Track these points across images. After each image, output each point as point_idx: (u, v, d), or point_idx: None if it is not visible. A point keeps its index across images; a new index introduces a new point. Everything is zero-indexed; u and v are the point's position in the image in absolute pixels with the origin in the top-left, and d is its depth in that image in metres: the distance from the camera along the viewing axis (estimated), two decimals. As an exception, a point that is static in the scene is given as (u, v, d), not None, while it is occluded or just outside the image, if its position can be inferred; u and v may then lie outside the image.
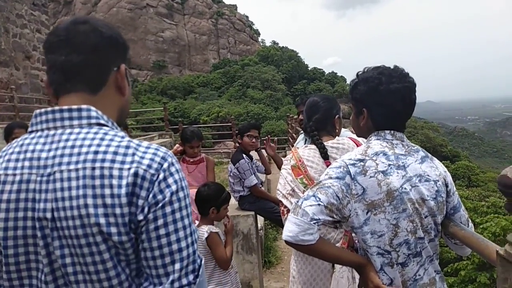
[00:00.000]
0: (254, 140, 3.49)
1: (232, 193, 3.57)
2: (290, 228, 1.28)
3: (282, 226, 1.78)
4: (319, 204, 1.28)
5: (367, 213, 1.31)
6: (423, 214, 1.33)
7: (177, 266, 0.80)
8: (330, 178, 1.33)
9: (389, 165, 1.33)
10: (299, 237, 1.26)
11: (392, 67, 1.44)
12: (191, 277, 0.82)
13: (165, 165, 0.82)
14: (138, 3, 51.26)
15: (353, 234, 1.81)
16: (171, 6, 52.78)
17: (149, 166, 0.80)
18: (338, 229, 1.94)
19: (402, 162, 1.35)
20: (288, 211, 1.85)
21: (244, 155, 3.40)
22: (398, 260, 1.32)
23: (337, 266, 1.95)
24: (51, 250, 0.78)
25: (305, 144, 2.91)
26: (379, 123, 1.42)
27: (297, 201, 1.33)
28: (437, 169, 1.41)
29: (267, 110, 37.75)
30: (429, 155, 1.45)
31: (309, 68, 55.36)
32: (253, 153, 3.65)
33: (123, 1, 51.24)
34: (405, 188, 1.31)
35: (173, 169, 0.84)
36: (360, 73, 1.48)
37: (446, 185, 1.41)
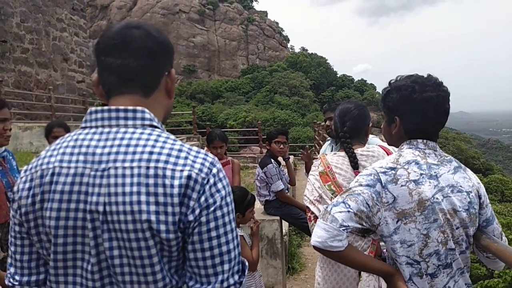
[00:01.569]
0: (282, 146, 3.52)
1: (258, 197, 3.60)
2: (319, 234, 1.29)
3: (307, 232, 1.78)
4: (348, 211, 1.29)
5: (397, 222, 1.30)
6: (454, 225, 1.31)
7: (226, 266, 0.84)
8: (361, 185, 1.33)
9: (421, 174, 1.32)
10: (328, 243, 1.27)
11: (425, 76, 1.44)
12: (236, 276, 0.87)
13: (214, 170, 0.86)
14: (171, 8, 52.60)
15: (382, 243, 1.79)
16: (203, 12, 53.82)
17: (201, 170, 0.84)
18: (366, 238, 1.93)
19: (435, 172, 1.33)
20: (315, 217, 1.85)
21: (272, 160, 3.43)
22: (427, 270, 1.30)
23: (364, 275, 1.93)
24: (99, 241, 0.82)
25: (332, 151, 2.90)
26: (411, 132, 1.41)
27: (327, 207, 1.34)
28: (470, 180, 1.38)
29: (294, 116, 37.64)
30: (462, 165, 1.42)
31: (338, 75, 54.90)
32: (282, 161, 3.67)
33: (156, 6, 52.73)
34: (437, 198, 1.29)
35: (221, 175, 0.88)
36: (393, 81, 1.48)
37: (479, 197, 1.38)
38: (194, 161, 0.84)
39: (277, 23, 60.63)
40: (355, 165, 1.91)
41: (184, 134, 14.73)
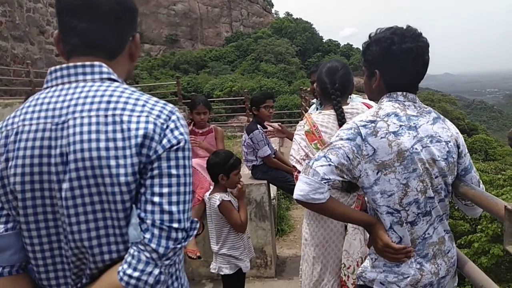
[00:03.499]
0: (271, 110, 3.52)
1: (245, 162, 3.61)
2: (301, 187, 1.31)
3: None
4: (329, 165, 1.31)
5: (377, 173, 1.33)
6: (433, 174, 1.34)
7: (174, 208, 0.84)
8: (341, 139, 1.35)
9: (401, 126, 1.33)
10: (309, 196, 1.29)
11: (405, 27, 1.42)
12: (187, 223, 0.87)
13: (174, 117, 0.88)
14: (150, -25, 50.47)
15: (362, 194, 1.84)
16: (183, -23, 51.83)
17: (158, 116, 0.86)
18: (352, 193, 1.97)
19: (414, 123, 1.35)
20: None
21: (258, 126, 3.42)
22: (407, 219, 1.35)
23: (350, 228, 1.98)
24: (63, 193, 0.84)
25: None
26: (391, 84, 1.42)
27: (308, 162, 1.36)
28: (449, 130, 1.41)
29: (281, 84, 37.35)
30: (441, 116, 1.44)
31: (324, 40, 54.19)
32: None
33: (133, -27, 50.46)
34: (416, 149, 1.32)
35: (182, 122, 0.90)
36: (373, 34, 1.46)
37: (458, 146, 1.41)
38: (152, 108, 0.86)
39: (260, -13, 58.82)
40: (342, 123, 1.92)
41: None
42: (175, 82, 14.27)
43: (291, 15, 58.79)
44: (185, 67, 44.83)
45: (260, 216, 3.36)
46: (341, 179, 1.35)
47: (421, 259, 1.37)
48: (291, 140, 3.35)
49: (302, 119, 2.15)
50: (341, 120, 1.94)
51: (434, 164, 1.34)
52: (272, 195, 3.86)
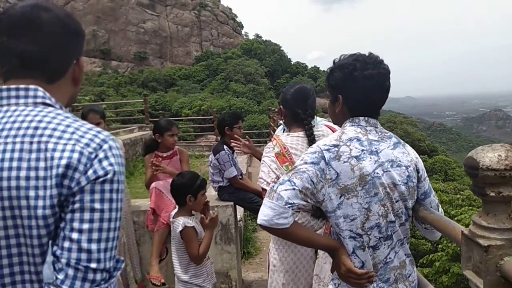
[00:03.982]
0: (241, 131, 3.52)
1: (211, 183, 3.56)
2: (265, 212, 1.29)
3: None
4: (294, 189, 1.30)
5: (340, 197, 1.33)
6: (394, 198, 1.36)
7: (97, 246, 0.77)
8: (305, 163, 1.35)
9: (362, 150, 1.35)
10: (273, 221, 1.27)
11: (367, 54, 1.46)
12: (109, 264, 0.79)
13: (105, 146, 0.81)
14: (119, -7, 50.21)
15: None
16: (153, -4, 51.91)
17: (87, 144, 0.80)
18: (320, 218, 1.95)
19: (375, 148, 1.37)
20: None
21: (225, 147, 3.39)
22: (369, 243, 1.35)
23: (320, 252, 1.96)
24: None
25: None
26: (354, 110, 1.44)
27: (273, 186, 1.34)
28: (408, 155, 1.44)
29: (250, 104, 37.72)
30: (402, 141, 1.48)
31: (292, 62, 55.52)
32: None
33: (103, -10, 50.09)
34: (377, 173, 1.33)
35: (114, 152, 0.83)
36: (337, 60, 1.50)
37: (417, 171, 1.45)
38: (81, 136, 0.81)
39: (230, 9, 59.93)
40: (312, 143, 1.93)
41: (136, 124, 14.30)
42: (142, 100, 14.05)
43: (261, 37, 60.09)
44: (154, 85, 44.44)
45: (226, 239, 3.29)
46: (305, 203, 1.34)
47: (383, 284, 1.37)
48: (258, 158, 3.34)
49: (270, 140, 2.14)
50: (312, 143, 1.95)
51: (395, 188, 1.36)
52: (238, 216, 3.80)
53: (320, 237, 1.56)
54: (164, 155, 3.28)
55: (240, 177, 3.54)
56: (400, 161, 1.39)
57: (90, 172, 0.78)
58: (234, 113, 3.66)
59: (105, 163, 0.79)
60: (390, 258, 1.38)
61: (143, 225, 3.31)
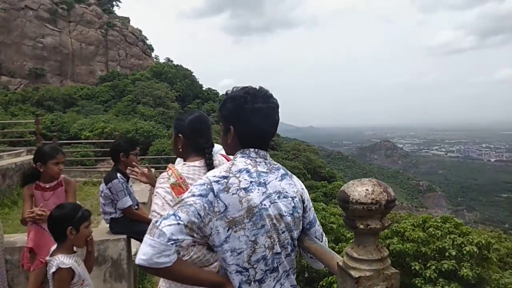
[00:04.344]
0: (138, 157, 3.31)
1: (102, 215, 3.28)
2: (145, 251, 1.19)
3: None
4: (178, 223, 1.22)
5: (228, 230, 1.29)
6: (280, 229, 1.36)
7: None
8: (193, 195, 1.29)
9: (251, 182, 1.34)
10: (153, 260, 1.18)
11: (257, 88, 1.49)
12: None
13: None
14: (15, 3, 45.66)
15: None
16: (55, 11, 48.31)
17: None
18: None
19: (264, 179, 1.38)
20: None
21: (119, 175, 3.16)
22: (255, 277, 1.32)
23: None
24: None
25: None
26: (244, 141, 1.44)
27: (155, 221, 1.25)
28: (295, 186, 1.47)
29: (159, 128, 36.57)
30: (289, 172, 1.51)
31: (204, 88, 55.85)
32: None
33: (-6, -2, 45.10)
34: (265, 205, 1.33)
35: None
36: (229, 91, 1.50)
37: (303, 201, 1.48)
38: None
39: (140, 30, 58.52)
40: None
41: (26, 146, 12.79)
42: (33, 120, 12.69)
43: (172, 61, 59.57)
44: (50, 104, 40.69)
45: (116, 276, 3.02)
46: (191, 238, 1.27)
47: (270, 317, 1.35)
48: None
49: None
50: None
51: (281, 219, 1.37)
52: (134, 250, 3.54)
53: (205, 273, 1.50)
54: (47, 186, 2.89)
55: (136, 207, 3.32)
56: (286, 192, 1.41)
57: None
58: (131, 139, 3.47)
59: None
60: None
61: (18, 264, 2.88)
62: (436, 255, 7.20)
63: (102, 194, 3.18)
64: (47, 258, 2.19)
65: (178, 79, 51.98)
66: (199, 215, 1.25)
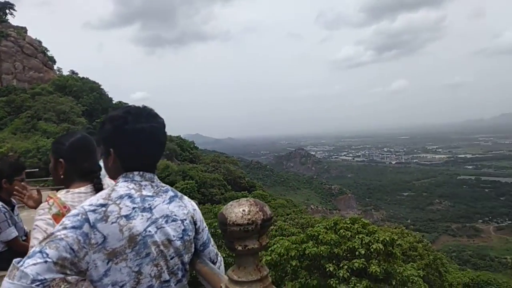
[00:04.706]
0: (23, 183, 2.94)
1: (-17, 250, 2.86)
2: None
3: None
4: (46, 261, 1.10)
5: (108, 263, 1.19)
6: (169, 255, 1.30)
7: None
8: (65, 228, 1.17)
9: (134, 208, 1.26)
10: None
11: (141, 106, 1.42)
12: None
13: None
14: None
15: None
16: None
17: None
18: None
19: (149, 204, 1.30)
20: None
21: (0, 203, 2.80)
22: (142, 309, 1.24)
23: None
24: None
25: None
26: (127, 164, 1.36)
27: (17, 261, 1.10)
28: (185, 207, 1.42)
29: (63, 145, 33.67)
30: (179, 194, 1.46)
31: (114, 102, 52.99)
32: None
33: None
34: (150, 231, 1.26)
35: None
36: (110, 112, 1.41)
37: (195, 223, 1.44)
38: None
39: (40, 41, 53.66)
40: None
41: None
42: None
43: (77, 73, 55.63)
44: None
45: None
46: (62, 275, 1.15)
47: None
48: None
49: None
50: None
51: (170, 244, 1.31)
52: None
53: None
54: None
55: (24, 238, 2.97)
56: (175, 215, 1.36)
57: None
58: (16, 163, 3.09)
59: None
60: None
61: None
62: (348, 255, 7.65)
63: (-20, 227, 2.78)
64: None
65: (84, 92, 48.66)
66: (72, 249, 1.14)
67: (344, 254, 7.64)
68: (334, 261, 7.57)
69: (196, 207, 1.50)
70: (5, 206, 2.80)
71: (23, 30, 52.59)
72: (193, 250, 1.43)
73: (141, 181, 1.35)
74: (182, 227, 1.37)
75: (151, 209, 1.30)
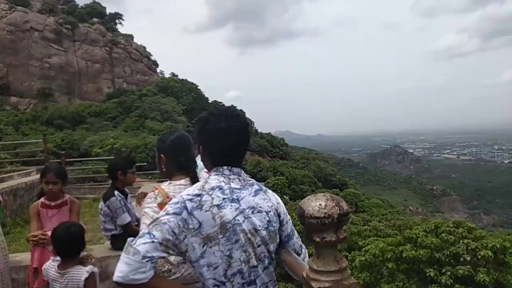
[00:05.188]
0: (135, 176, 3.41)
1: (104, 232, 3.36)
2: (121, 268, 1.26)
3: None
4: (153, 241, 1.29)
5: (203, 246, 1.35)
6: (256, 243, 1.42)
7: None
8: (168, 214, 1.36)
9: (224, 199, 1.41)
10: (129, 277, 1.24)
11: (226, 107, 1.58)
12: None
13: None
14: (20, 25, 46.88)
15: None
16: (60, 31, 49.45)
17: None
18: None
19: (237, 196, 1.44)
20: None
21: (116, 192, 3.25)
22: (232, 290, 1.38)
23: None
24: None
25: None
26: (212, 159, 1.52)
27: (131, 240, 1.32)
28: (269, 200, 1.53)
29: (167, 142, 36.84)
30: (264, 187, 1.57)
31: (210, 101, 56.31)
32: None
33: (1, 22, 46.35)
34: (238, 220, 1.39)
35: None
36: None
37: (279, 215, 1.54)
38: None
39: (144, 47, 59.44)
40: None
41: (38, 165, 13.01)
42: (41, 140, 12.95)
43: (177, 75, 60.20)
44: (60, 123, 41.33)
45: (118, 291, 3.10)
46: (166, 255, 1.34)
47: (249, 329, 1.40)
48: None
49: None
50: None
51: (256, 233, 1.43)
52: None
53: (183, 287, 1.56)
54: (53, 203, 3.00)
55: (136, 223, 3.40)
56: (261, 207, 1.47)
57: None
58: (128, 157, 3.58)
59: None
60: None
61: (24, 282, 2.97)
62: (451, 260, 7.11)
63: (102, 212, 3.27)
64: (61, 271, 2.34)
65: (184, 93, 52.55)
66: (174, 232, 1.32)
67: (447, 259, 7.11)
68: (435, 266, 7.10)
69: (279, 200, 1.60)
70: (120, 195, 3.25)
71: (130, 37, 58.73)
72: (278, 240, 1.53)
73: (229, 174, 1.50)
74: (267, 218, 1.47)
75: (238, 200, 1.43)
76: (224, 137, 1.48)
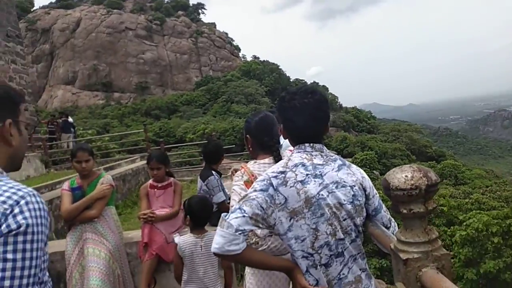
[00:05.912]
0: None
1: (201, 209, 3.67)
2: (217, 240, 1.38)
3: None
4: (244, 216, 1.39)
5: (290, 220, 1.42)
6: (341, 217, 1.44)
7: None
8: (255, 190, 1.45)
9: (307, 175, 1.45)
10: (225, 248, 1.36)
11: (305, 86, 1.60)
12: None
13: (22, 202, 0.93)
14: (117, 26, 51.63)
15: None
16: (150, 27, 53.29)
17: (4, 202, 0.91)
18: None
19: (319, 171, 1.47)
20: None
21: (213, 172, 3.50)
22: (321, 261, 1.43)
23: None
24: None
25: None
26: (293, 137, 1.57)
27: (224, 215, 1.44)
28: (354, 175, 1.53)
29: (253, 124, 37.91)
30: (347, 162, 1.57)
31: (291, 80, 56.08)
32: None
33: (101, 25, 51.56)
34: (322, 195, 1.43)
35: (31, 207, 0.94)
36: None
37: (364, 189, 1.53)
38: (1, 195, 0.92)
39: (226, 33, 61.14)
40: None
41: (142, 153, 14.44)
42: (142, 129, 14.29)
43: (258, 57, 60.93)
44: (157, 113, 45.03)
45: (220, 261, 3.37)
46: (257, 228, 1.43)
47: (339, 299, 1.44)
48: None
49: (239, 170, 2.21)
50: None
51: (341, 207, 1.45)
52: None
53: (274, 258, 1.65)
54: (159, 185, 3.40)
55: (228, 201, 3.63)
56: (344, 181, 1.48)
57: (3, 226, 0.88)
58: (220, 145, 3.91)
59: (19, 217, 0.90)
60: (343, 274, 1.46)
61: (137, 256, 3.38)
62: None
63: (201, 190, 3.54)
64: (184, 238, 2.69)
65: (265, 74, 53.09)
66: (262, 207, 1.40)
67: None
68: None
69: (364, 174, 1.59)
70: (217, 175, 3.50)
71: (213, 25, 60.79)
72: (364, 214, 1.53)
73: (311, 151, 1.53)
74: (352, 193, 1.48)
75: (322, 175, 1.46)
76: (297, 113, 1.51)
